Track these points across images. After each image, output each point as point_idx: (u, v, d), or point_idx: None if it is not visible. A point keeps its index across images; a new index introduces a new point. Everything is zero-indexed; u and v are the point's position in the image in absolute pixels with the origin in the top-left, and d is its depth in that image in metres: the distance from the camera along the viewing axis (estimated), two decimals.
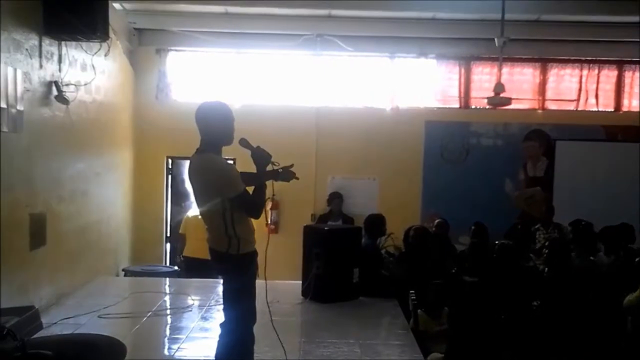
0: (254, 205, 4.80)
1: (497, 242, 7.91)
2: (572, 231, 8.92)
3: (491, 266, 7.43)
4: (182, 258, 10.21)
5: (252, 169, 4.88)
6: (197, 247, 10.15)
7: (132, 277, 9.59)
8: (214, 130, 4.80)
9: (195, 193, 5.03)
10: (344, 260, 7.89)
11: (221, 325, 4.92)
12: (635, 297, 6.35)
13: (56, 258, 7.48)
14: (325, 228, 8.39)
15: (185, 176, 11.33)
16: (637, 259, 6.97)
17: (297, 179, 5.12)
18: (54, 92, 7.23)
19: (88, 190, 8.60)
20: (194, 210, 10.25)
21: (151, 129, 11.19)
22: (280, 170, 5.02)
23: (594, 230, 8.42)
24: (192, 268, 9.98)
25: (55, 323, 6.55)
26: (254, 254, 4.92)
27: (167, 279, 9.40)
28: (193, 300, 7.85)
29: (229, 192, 4.68)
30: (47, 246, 7.10)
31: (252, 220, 4.93)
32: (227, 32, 10.87)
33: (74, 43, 7.63)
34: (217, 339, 4.91)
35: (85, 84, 8.17)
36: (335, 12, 10.40)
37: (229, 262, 4.81)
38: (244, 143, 4.88)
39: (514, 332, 6.38)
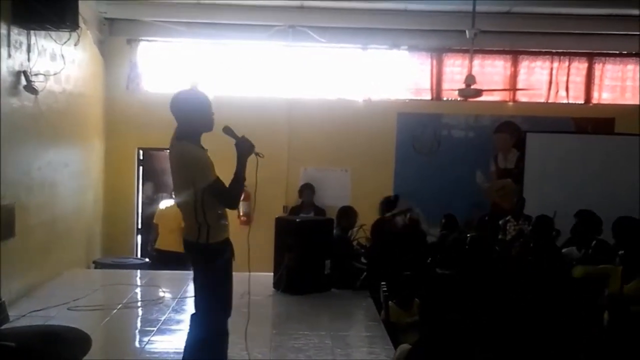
0: (227, 195, 4.74)
1: (468, 235, 7.94)
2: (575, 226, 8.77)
3: (464, 259, 7.46)
4: (154, 250, 10.16)
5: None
6: (169, 240, 10.12)
7: (103, 270, 9.53)
8: (190, 118, 4.74)
9: (172, 181, 5.00)
10: (316, 252, 7.90)
11: (191, 317, 4.89)
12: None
13: (25, 250, 7.41)
14: (297, 220, 8.39)
15: (158, 167, 11.42)
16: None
17: (259, 155, 4.85)
18: (23, 81, 7.16)
19: (57, 181, 8.51)
20: (166, 202, 10.22)
21: (122, 120, 11.10)
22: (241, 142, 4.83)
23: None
24: (163, 260, 9.94)
25: (24, 315, 6.50)
26: (226, 243, 4.87)
27: (138, 271, 9.35)
28: (164, 293, 7.82)
29: (201, 181, 4.64)
30: (16, 238, 7.03)
31: (227, 210, 4.90)
32: (199, 22, 10.81)
33: (43, 32, 7.55)
34: (187, 331, 4.89)
35: (55, 74, 8.08)
36: (308, 3, 10.37)
37: (199, 251, 4.78)
38: (228, 131, 4.80)
39: (488, 326, 6.42)
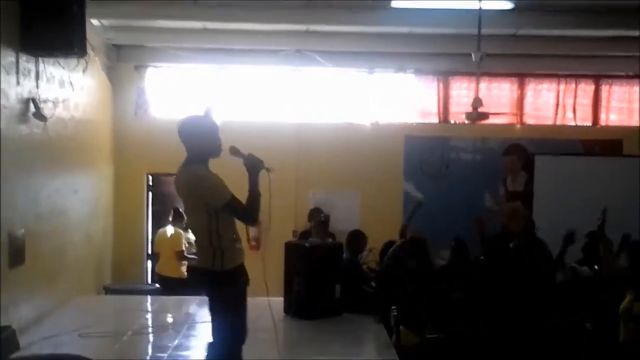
0: (246, 211, 4.75)
1: (481, 257, 7.90)
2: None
3: (476, 283, 7.43)
4: (156, 276, 10.27)
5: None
6: (168, 266, 10.21)
7: (113, 296, 9.52)
8: (198, 143, 4.77)
9: (184, 208, 5.00)
10: (326, 276, 7.87)
11: (208, 345, 4.87)
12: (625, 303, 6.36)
13: (35, 277, 7.39)
14: (307, 244, 8.37)
15: (167, 193, 11.44)
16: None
17: (269, 169, 4.92)
18: (32, 109, 7.16)
19: (66, 208, 8.51)
20: (164, 229, 10.30)
21: (131, 146, 11.14)
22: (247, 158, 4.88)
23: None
24: (165, 286, 10.00)
25: (34, 343, 6.47)
26: (240, 268, 4.86)
27: (149, 296, 9.33)
28: (175, 319, 7.79)
29: (216, 202, 4.64)
30: (26, 265, 7.01)
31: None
32: (205, 47, 10.87)
33: (51, 59, 7.56)
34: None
35: (63, 101, 8.11)
36: (314, 27, 10.40)
37: (214, 279, 4.76)
38: (234, 152, 4.85)
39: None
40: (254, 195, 4.79)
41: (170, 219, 10.43)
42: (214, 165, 4.88)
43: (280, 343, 6.81)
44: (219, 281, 4.74)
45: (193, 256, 9.77)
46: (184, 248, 10.28)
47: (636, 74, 11.61)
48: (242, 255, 4.91)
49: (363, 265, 8.88)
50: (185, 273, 10.32)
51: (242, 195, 4.80)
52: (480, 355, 6.28)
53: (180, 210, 10.13)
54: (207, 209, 4.66)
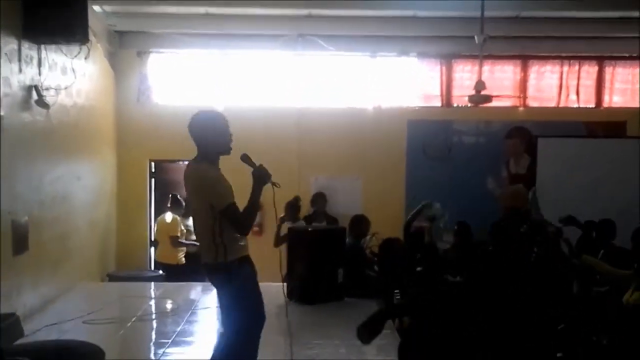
0: (240, 221, 4.78)
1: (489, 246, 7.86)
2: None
3: (479, 268, 7.40)
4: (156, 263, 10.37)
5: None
6: (164, 252, 10.26)
7: (117, 282, 9.55)
8: (208, 140, 4.81)
9: (188, 201, 5.05)
10: (329, 261, 7.89)
11: (219, 335, 4.90)
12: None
13: (39, 264, 7.43)
14: (310, 229, 8.39)
15: (169, 179, 11.47)
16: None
17: (275, 184, 4.97)
18: (34, 96, 7.18)
19: (69, 195, 8.54)
20: (164, 214, 10.36)
21: (133, 132, 11.12)
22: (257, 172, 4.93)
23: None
24: (165, 273, 10.04)
25: (39, 330, 6.51)
26: (244, 259, 4.88)
27: (152, 283, 9.37)
28: (178, 305, 7.82)
29: (219, 203, 4.66)
30: (30, 252, 7.05)
31: None
32: (208, 33, 10.85)
33: (53, 46, 7.58)
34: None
35: (66, 88, 8.12)
36: (316, 11, 10.38)
37: (219, 271, 4.78)
38: (245, 159, 4.90)
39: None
40: (254, 206, 4.82)
41: (169, 205, 10.46)
42: (223, 164, 4.93)
43: (284, 328, 6.85)
44: (224, 272, 4.77)
45: (192, 242, 9.83)
46: (179, 234, 10.31)
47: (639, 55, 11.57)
48: (246, 249, 4.93)
49: (366, 249, 8.88)
50: (184, 260, 10.36)
51: (240, 201, 4.84)
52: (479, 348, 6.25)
53: (179, 197, 10.19)
54: (211, 208, 4.69)
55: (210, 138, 4.80)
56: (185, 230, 10.27)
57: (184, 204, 10.06)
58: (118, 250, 11.02)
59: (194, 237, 10.57)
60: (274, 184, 4.88)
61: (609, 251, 7.57)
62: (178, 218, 10.37)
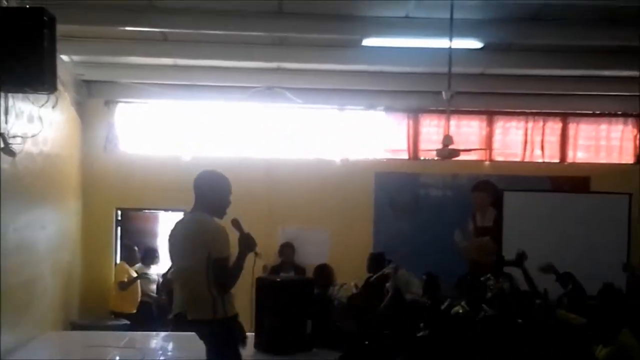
0: (227, 276, 4.87)
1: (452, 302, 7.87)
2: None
3: (446, 321, 7.42)
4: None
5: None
6: (115, 300, 10.27)
7: (81, 332, 9.38)
8: (211, 199, 5.06)
9: (176, 252, 5.07)
10: (297, 311, 7.83)
11: None
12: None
13: (2, 313, 7.27)
14: (278, 279, 8.34)
15: (136, 227, 11.45)
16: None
17: (257, 254, 5.20)
18: (0, 144, 7.11)
19: (34, 242, 8.42)
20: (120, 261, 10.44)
21: (100, 181, 11.06)
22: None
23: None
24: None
25: None
26: (237, 316, 4.96)
27: (117, 332, 9.21)
28: (144, 354, 7.69)
29: (218, 252, 4.74)
30: None
31: None
32: (176, 84, 10.88)
33: (20, 95, 7.53)
34: None
35: (33, 136, 8.04)
36: (285, 65, 10.47)
37: (217, 328, 4.83)
38: (236, 225, 5.08)
39: None
40: (237, 268, 4.97)
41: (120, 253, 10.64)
42: None
43: None
44: (223, 329, 4.82)
45: (134, 279, 9.86)
46: (125, 279, 10.40)
47: (603, 112, 11.81)
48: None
49: (334, 300, 8.83)
50: (134, 309, 10.49)
51: None
52: None
53: (130, 244, 10.36)
54: (207, 258, 4.71)
55: (214, 198, 5.05)
56: (131, 276, 10.49)
57: (137, 250, 10.26)
58: (82, 298, 10.90)
59: (152, 286, 10.61)
60: (257, 253, 5.05)
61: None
62: (125, 264, 10.50)
